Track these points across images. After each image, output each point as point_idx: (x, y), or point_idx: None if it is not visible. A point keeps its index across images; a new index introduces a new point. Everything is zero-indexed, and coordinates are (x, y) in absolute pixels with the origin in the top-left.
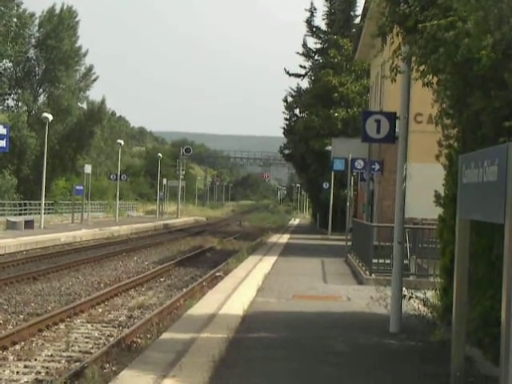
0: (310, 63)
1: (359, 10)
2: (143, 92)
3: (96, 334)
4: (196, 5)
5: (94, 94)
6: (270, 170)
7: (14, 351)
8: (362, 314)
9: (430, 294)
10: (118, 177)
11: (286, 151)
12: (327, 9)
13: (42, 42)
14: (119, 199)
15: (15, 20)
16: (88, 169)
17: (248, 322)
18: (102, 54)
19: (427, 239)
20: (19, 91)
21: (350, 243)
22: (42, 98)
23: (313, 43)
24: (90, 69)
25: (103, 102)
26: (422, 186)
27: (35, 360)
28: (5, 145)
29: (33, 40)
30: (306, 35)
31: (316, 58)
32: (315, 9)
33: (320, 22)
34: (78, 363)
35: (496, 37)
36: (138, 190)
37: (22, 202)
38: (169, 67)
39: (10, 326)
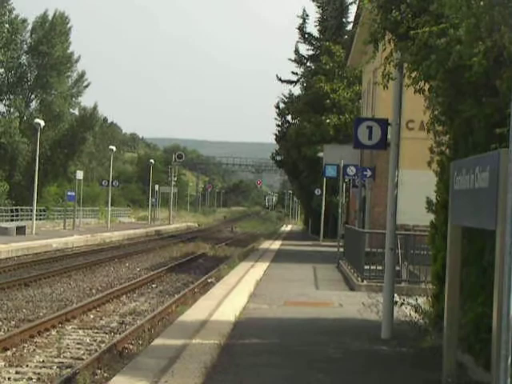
0: (303, 70)
1: (351, 17)
2: (135, 98)
3: (88, 340)
4: (191, 11)
5: (86, 99)
6: (262, 177)
7: (5, 357)
8: (353, 320)
9: (421, 300)
10: (110, 183)
11: (278, 158)
12: (319, 15)
13: (34, 48)
14: (111, 205)
15: (7, 26)
16: (80, 175)
17: (240, 329)
18: (94, 60)
19: (419, 245)
20: (11, 97)
21: (341, 249)
22: (33, 104)
23: (305, 50)
24: (82, 75)
25: (95, 108)
26: (413, 193)
27: (27, 366)
28: None
29: (25, 46)
30: (298, 42)
31: (308, 64)
32: (307, 15)
33: (312, 28)
34: (69, 369)
35: (487, 44)
36: (130, 196)
37: (13, 207)
38: (162, 73)
39: (2, 332)
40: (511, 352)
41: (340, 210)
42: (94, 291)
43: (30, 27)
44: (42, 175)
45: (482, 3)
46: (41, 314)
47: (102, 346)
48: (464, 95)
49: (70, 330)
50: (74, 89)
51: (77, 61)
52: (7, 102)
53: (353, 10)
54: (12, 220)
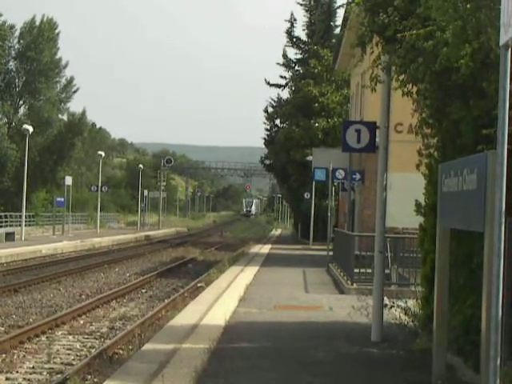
0: (291, 73)
1: (339, 21)
2: (124, 103)
3: (78, 346)
4: (180, 17)
5: (75, 105)
6: (251, 181)
7: None
8: (343, 323)
9: (411, 302)
10: (99, 188)
11: (267, 162)
12: (307, 19)
13: (22, 54)
14: (100, 211)
15: None
16: (69, 180)
17: (230, 333)
18: (83, 65)
19: (408, 248)
20: None
21: (331, 253)
22: (22, 110)
23: (293, 53)
24: (70, 81)
25: (84, 113)
26: (402, 196)
27: (17, 372)
28: None
29: (13, 52)
30: (286, 46)
31: (296, 68)
32: (295, 19)
33: (300, 32)
34: (59, 375)
35: (474, 46)
36: (119, 201)
37: (2, 214)
38: (151, 78)
39: None
40: (500, 353)
41: (329, 214)
42: (83, 297)
43: (17, 33)
44: (30, 181)
45: (468, 6)
46: (31, 320)
47: (92, 351)
48: (451, 97)
49: (59, 336)
50: (63, 94)
51: (65, 66)
52: None
53: (340, 14)
54: (1, 226)
